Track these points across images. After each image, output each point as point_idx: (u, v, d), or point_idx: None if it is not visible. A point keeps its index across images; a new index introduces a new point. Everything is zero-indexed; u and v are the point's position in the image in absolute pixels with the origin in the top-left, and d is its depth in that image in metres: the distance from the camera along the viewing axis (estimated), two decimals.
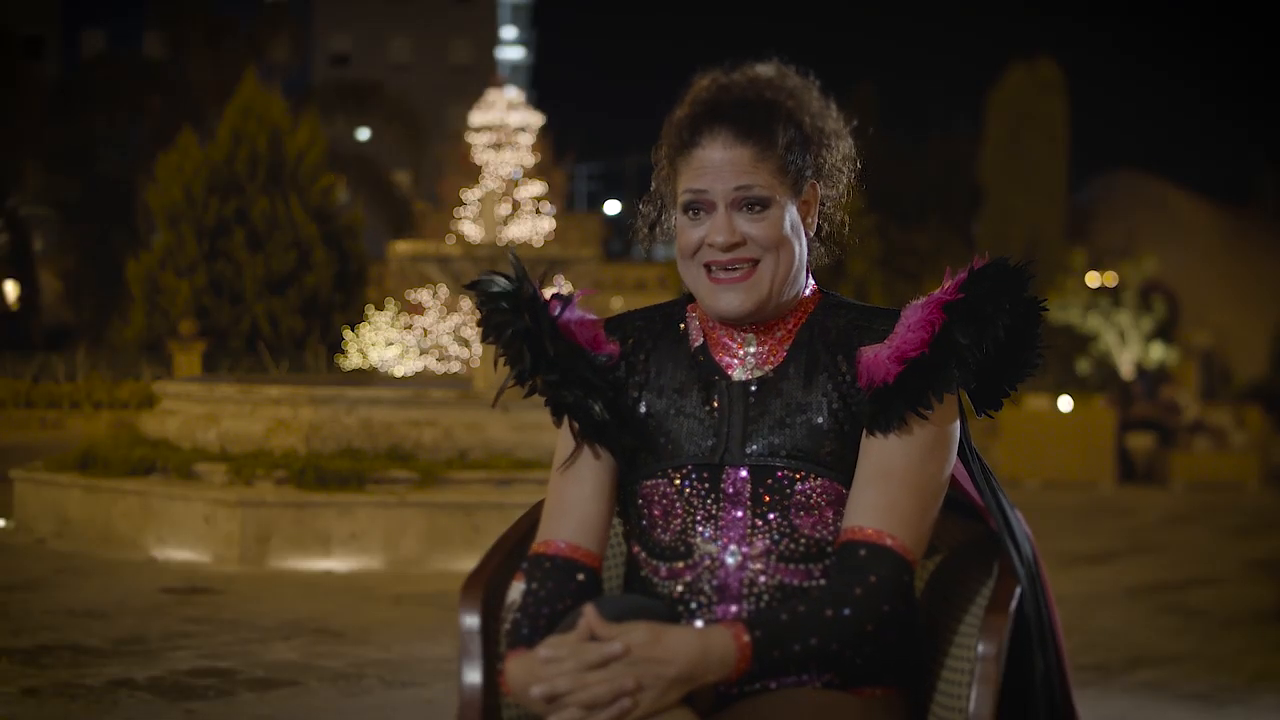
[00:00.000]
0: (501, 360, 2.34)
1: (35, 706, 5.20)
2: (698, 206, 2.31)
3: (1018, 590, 2.32)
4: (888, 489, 2.23)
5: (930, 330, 2.24)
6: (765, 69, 2.36)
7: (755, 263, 2.29)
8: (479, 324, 2.36)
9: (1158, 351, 30.40)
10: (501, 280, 2.34)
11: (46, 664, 5.89)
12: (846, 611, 2.16)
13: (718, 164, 2.28)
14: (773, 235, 2.29)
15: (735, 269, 2.29)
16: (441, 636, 6.67)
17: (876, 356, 2.27)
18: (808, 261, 2.39)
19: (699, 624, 2.29)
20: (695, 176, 2.30)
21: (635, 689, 2.06)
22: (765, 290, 2.30)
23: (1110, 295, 31.14)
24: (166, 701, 5.32)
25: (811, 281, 2.41)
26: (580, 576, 2.30)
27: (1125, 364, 30.19)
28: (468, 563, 8.19)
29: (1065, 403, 18.95)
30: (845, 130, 2.41)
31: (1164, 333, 31.57)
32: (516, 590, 2.31)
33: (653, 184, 2.45)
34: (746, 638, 2.12)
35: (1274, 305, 36.48)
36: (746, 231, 2.28)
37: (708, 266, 2.31)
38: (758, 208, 2.28)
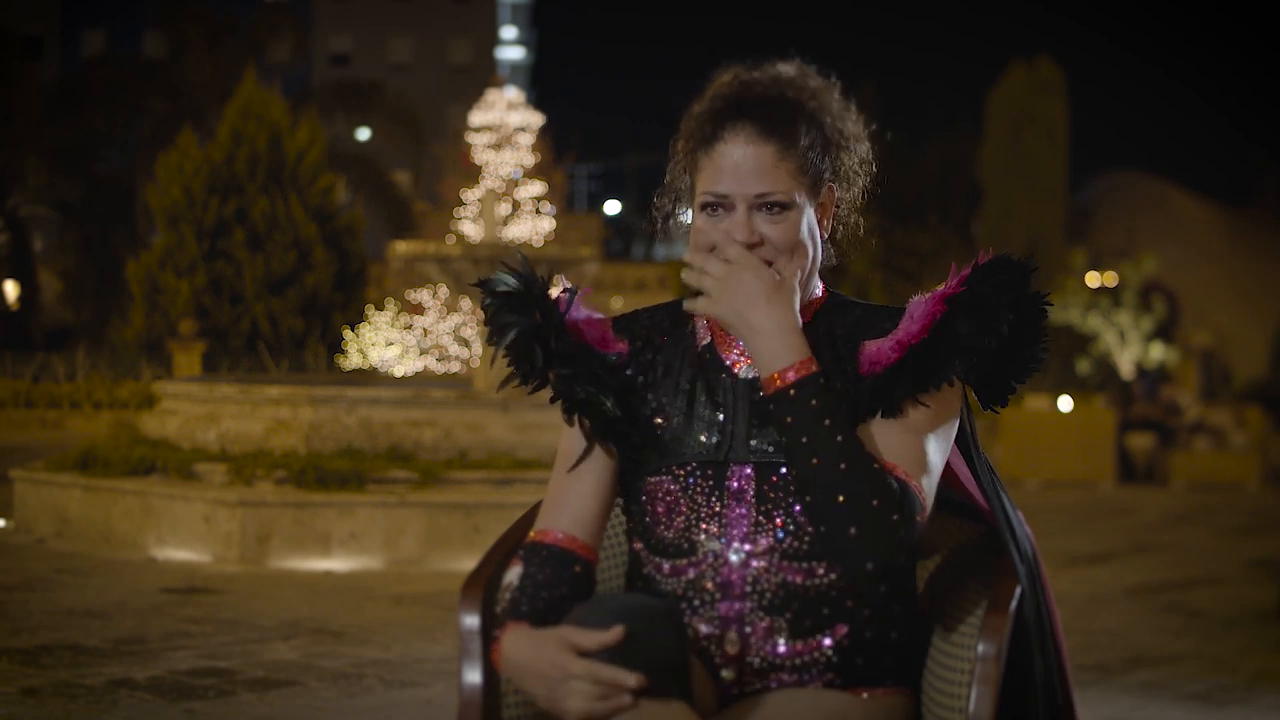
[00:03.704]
0: (503, 359, 2.34)
1: (35, 706, 5.19)
2: (718, 206, 2.31)
3: (1018, 590, 2.32)
4: (894, 431, 2.24)
5: (932, 320, 2.25)
6: (787, 68, 2.36)
7: (769, 264, 2.29)
8: (484, 324, 2.36)
9: (1158, 351, 30.39)
10: (509, 280, 2.34)
11: (46, 664, 5.89)
12: (875, 465, 2.18)
13: (739, 165, 2.28)
14: (790, 238, 2.30)
15: None
16: (441, 636, 6.67)
17: (879, 348, 2.29)
18: (819, 265, 2.40)
19: (701, 627, 2.29)
20: (716, 178, 2.30)
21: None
22: None
23: (1110, 295, 31.14)
24: (166, 701, 5.32)
25: (820, 283, 2.41)
26: (577, 568, 2.30)
27: (1125, 364, 30.18)
28: (468, 563, 8.19)
29: (1065, 403, 18.96)
30: (864, 133, 2.42)
31: (1164, 333, 31.57)
32: (514, 573, 2.31)
33: (667, 176, 2.45)
34: (812, 363, 2.21)
35: (1274, 305, 36.50)
36: (765, 232, 2.29)
37: None
38: (777, 209, 2.29)
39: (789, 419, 2.18)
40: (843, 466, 2.15)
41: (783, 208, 2.29)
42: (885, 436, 2.24)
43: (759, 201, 2.29)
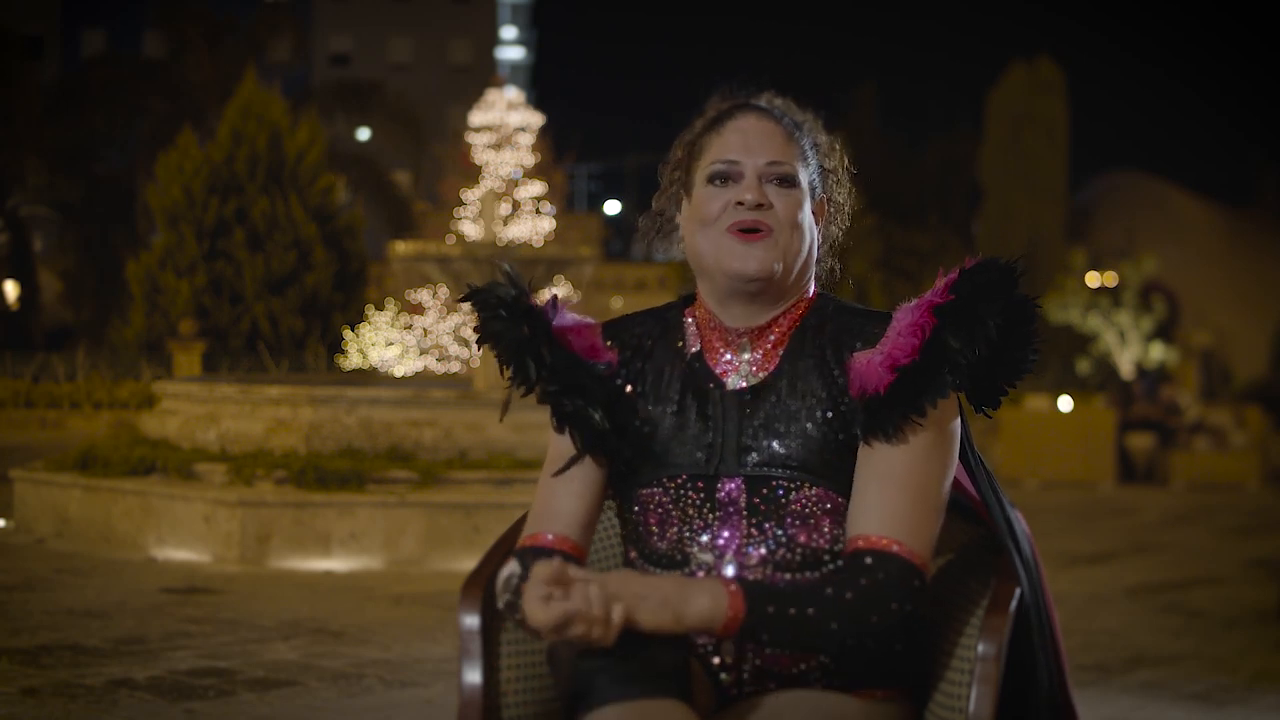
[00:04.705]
0: (505, 368, 2.34)
1: (35, 706, 5.20)
2: (726, 176, 2.32)
3: (1018, 591, 2.31)
4: (889, 493, 2.21)
5: (921, 335, 2.22)
6: (779, 100, 2.41)
7: (773, 233, 2.30)
8: (475, 330, 2.36)
9: (1158, 351, 30.39)
10: (499, 290, 2.33)
11: (46, 664, 5.89)
12: (849, 595, 2.14)
13: (749, 136, 2.31)
14: (794, 214, 2.31)
15: (758, 230, 2.29)
16: (441, 636, 6.67)
17: (869, 363, 2.25)
18: (816, 270, 2.40)
19: (697, 636, 2.29)
20: (725, 149, 2.32)
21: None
22: (780, 259, 2.30)
23: (1110, 295, 31.13)
24: (166, 701, 5.32)
25: (812, 284, 2.41)
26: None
27: (1125, 364, 30.17)
28: (468, 563, 8.19)
29: (1065, 403, 18.95)
30: (848, 179, 2.44)
31: (1164, 333, 31.56)
32: (508, 569, 2.31)
33: (655, 203, 2.45)
34: (734, 586, 2.10)
35: (1274, 305, 36.51)
36: (773, 201, 2.30)
37: (729, 230, 2.31)
38: (786, 182, 2.31)
39: (765, 637, 2.14)
40: (834, 626, 2.14)
41: (791, 182, 2.31)
42: (881, 505, 2.20)
43: (769, 171, 2.30)
